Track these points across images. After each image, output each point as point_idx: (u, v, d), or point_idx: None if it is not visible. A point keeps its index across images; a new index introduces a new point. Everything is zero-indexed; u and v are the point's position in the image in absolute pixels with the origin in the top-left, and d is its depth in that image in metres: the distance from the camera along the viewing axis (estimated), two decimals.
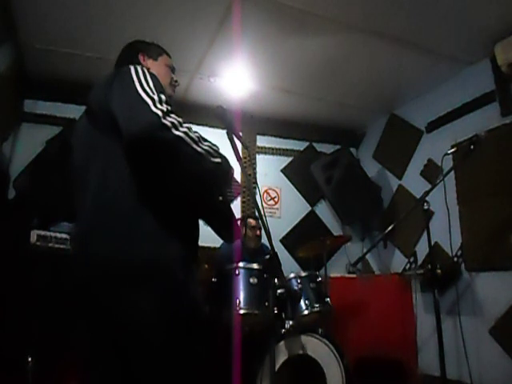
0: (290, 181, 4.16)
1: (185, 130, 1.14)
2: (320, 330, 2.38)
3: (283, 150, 4.17)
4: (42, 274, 2.49)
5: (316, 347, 2.33)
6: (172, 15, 2.58)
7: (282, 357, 2.25)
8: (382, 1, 2.42)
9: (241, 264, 2.34)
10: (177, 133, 1.11)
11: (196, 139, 1.17)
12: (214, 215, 1.40)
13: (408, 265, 3.37)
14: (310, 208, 4.17)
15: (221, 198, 1.37)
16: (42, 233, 2.61)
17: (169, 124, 1.10)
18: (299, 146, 4.27)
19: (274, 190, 4.06)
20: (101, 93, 1.26)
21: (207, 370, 1.21)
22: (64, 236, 2.69)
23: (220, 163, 1.23)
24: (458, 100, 3.17)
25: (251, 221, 3.14)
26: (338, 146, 4.08)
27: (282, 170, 4.15)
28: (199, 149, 1.17)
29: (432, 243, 2.16)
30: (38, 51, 2.96)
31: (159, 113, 1.10)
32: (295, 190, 4.16)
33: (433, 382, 2.93)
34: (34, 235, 2.57)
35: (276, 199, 4.04)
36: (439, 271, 2.74)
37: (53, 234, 2.64)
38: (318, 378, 2.29)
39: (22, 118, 3.30)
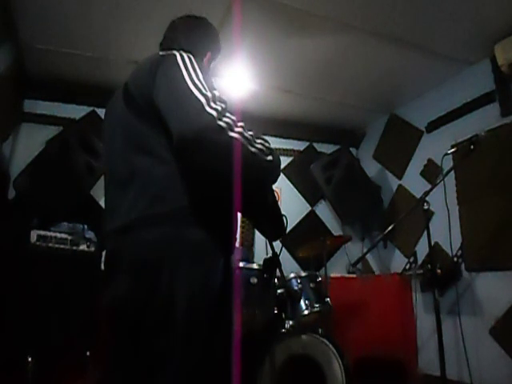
0: (290, 181, 4.16)
1: (240, 129, 1.09)
2: (320, 330, 2.38)
3: (283, 149, 4.16)
4: (42, 274, 2.49)
5: (316, 347, 2.32)
6: (172, 15, 2.57)
7: (281, 357, 2.25)
8: (382, 1, 2.42)
9: (241, 264, 2.34)
10: (232, 134, 1.06)
11: (250, 138, 1.13)
12: (266, 214, 1.38)
13: (408, 265, 3.36)
14: (309, 208, 4.17)
15: (272, 198, 1.37)
16: (42, 233, 2.61)
17: (224, 125, 1.05)
18: (299, 145, 4.27)
19: (273, 190, 4.05)
20: (143, 81, 1.20)
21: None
22: (64, 236, 2.70)
23: (272, 161, 1.20)
24: (458, 100, 3.16)
25: None
26: (338, 146, 4.07)
27: (282, 170, 4.14)
28: (253, 149, 1.13)
29: (432, 243, 2.16)
30: (38, 51, 2.95)
31: (214, 113, 1.04)
32: (295, 189, 4.16)
33: (433, 382, 2.93)
34: (34, 235, 2.57)
35: (276, 199, 4.03)
36: (439, 271, 2.74)
37: (53, 234, 2.64)
38: (318, 377, 2.29)
39: (22, 118, 3.30)
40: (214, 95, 1.09)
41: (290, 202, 4.07)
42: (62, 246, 2.65)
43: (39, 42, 2.87)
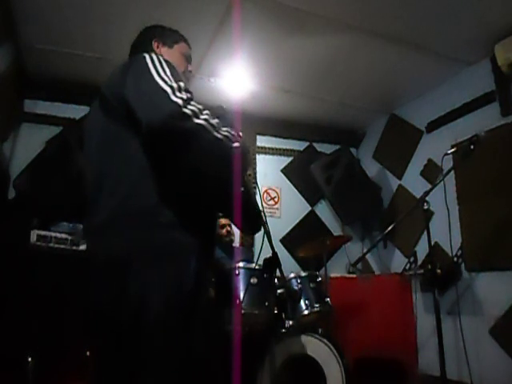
0: (290, 181, 4.16)
1: (205, 117, 1.13)
2: (320, 330, 2.38)
3: (283, 149, 4.17)
4: (42, 274, 2.49)
5: (316, 347, 2.32)
6: (172, 15, 2.58)
7: (281, 357, 2.25)
8: (382, 1, 2.42)
9: (241, 264, 2.34)
10: (198, 121, 1.10)
11: (216, 125, 1.16)
12: (234, 205, 1.39)
13: (408, 265, 3.36)
14: (310, 208, 4.17)
15: (242, 188, 1.35)
16: (42, 233, 2.61)
17: (189, 112, 1.09)
18: (299, 145, 4.27)
19: (274, 190, 4.06)
20: (115, 82, 1.24)
21: (208, 364, 1.20)
22: (64, 236, 2.69)
23: (239, 147, 1.23)
24: (458, 100, 3.17)
25: (220, 220, 3.16)
26: (337, 146, 4.08)
27: (282, 170, 4.15)
28: (219, 135, 1.16)
29: (432, 243, 2.16)
30: (38, 51, 2.95)
31: (179, 101, 1.08)
32: (295, 190, 4.16)
33: (433, 382, 2.93)
34: (33, 235, 2.57)
35: (276, 199, 4.04)
36: (439, 271, 2.74)
37: (53, 234, 2.64)
38: (318, 377, 2.29)
39: (22, 118, 3.30)
40: (179, 86, 1.13)
41: (290, 202, 4.08)
42: (62, 246, 2.64)
43: (39, 42, 2.87)
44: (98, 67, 3.09)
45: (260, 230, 1.52)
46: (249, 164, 1.34)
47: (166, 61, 1.23)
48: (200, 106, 1.14)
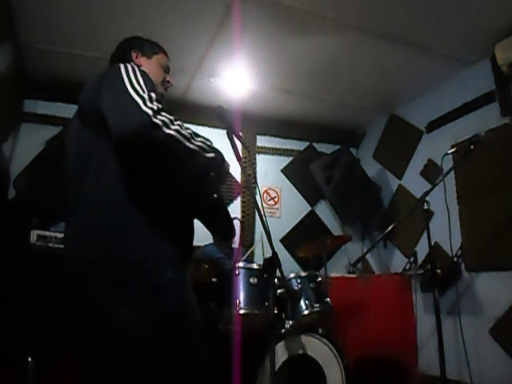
0: (290, 181, 4.16)
1: (176, 127, 1.14)
2: (320, 330, 2.38)
3: (283, 149, 4.17)
4: (42, 274, 2.49)
5: (316, 347, 2.32)
6: (172, 15, 2.58)
7: (282, 357, 2.25)
8: (382, 1, 2.42)
9: (241, 264, 2.34)
10: (168, 131, 1.11)
11: (188, 136, 1.16)
12: (208, 213, 1.40)
13: (408, 265, 3.36)
14: (310, 208, 4.17)
15: (215, 195, 1.36)
16: (42, 233, 2.60)
17: (159, 123, 1.10)
18: (299, 145, 4.27)
19: (274, 190, 4.06)
20: (91, 92, 1.25)
21: (202, 370, 1.21)
22: None
23: (214, 158, 1.23)
24: (458, 100, 3.17)
25: None
26: (338, 146, 4.08)
27: (282, 170, 4.15)
28: (192, 146, 1.16)
29: (432, 243, 2.16)
30: (38, 51, 2.95)
31: (149, 112, 1.09)
32: (295, 190, 4.16)
33: (433, 382, 2.93)
34: (33, 235, 2.57)
35: (276, 199, 4.04)
36: (439, 271, 2.74)
37: (53, 234, 2.64)
38: (318, 378, 2.29)
39: (22, 118, 3.29)
40: (150, 96, 1.14)
41: (290, 202, 4.08)
42: (62, 246, 2.64)
43: (39, 42, 2.87)
44: (97, 67, 3.06)
45: (232, 237, 1.54)
46: (224, 175, 1.34)
47: (141, 71, 1.24)
48: (171, 117, 1.14)
